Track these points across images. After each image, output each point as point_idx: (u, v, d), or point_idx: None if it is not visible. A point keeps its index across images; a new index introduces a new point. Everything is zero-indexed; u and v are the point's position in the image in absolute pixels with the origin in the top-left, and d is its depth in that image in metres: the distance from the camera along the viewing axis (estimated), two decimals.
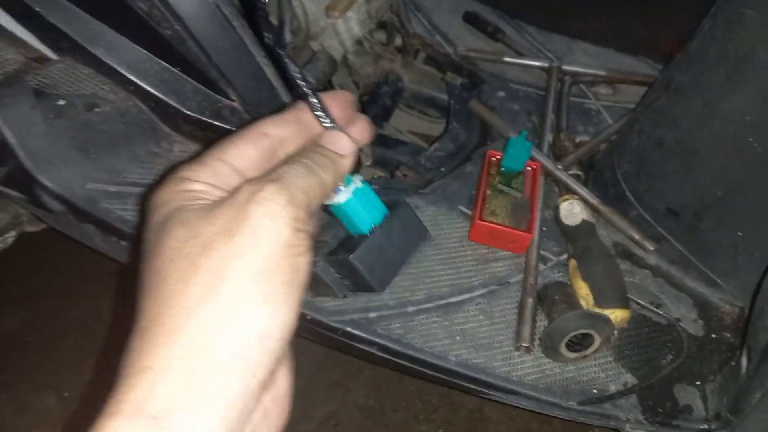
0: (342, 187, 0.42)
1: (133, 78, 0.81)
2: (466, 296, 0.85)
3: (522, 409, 0.81)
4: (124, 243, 0.80)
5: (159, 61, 0.82)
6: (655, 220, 0.86)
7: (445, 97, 1.22)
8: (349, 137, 0.37)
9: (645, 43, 1.30)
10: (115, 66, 0.80)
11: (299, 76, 0.39)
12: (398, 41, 1.27)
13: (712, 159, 0.76)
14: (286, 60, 0.40)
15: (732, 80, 0.70)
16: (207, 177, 0.32)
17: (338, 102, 0.38)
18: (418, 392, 1.28)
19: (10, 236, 0.95)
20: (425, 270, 0.87)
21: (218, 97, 0.86)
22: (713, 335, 0.81)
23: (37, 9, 0.76)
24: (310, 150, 0.35)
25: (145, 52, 0.81)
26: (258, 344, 0.27)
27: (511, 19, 1.31)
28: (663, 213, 0.85)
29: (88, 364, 1.48)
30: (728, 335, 0.80)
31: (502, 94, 1.15)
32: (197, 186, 0.31)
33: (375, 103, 1.20)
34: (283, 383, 0.32)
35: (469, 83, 1.18)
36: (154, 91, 0.82)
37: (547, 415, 0.80)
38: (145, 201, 0.31)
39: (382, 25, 1.27)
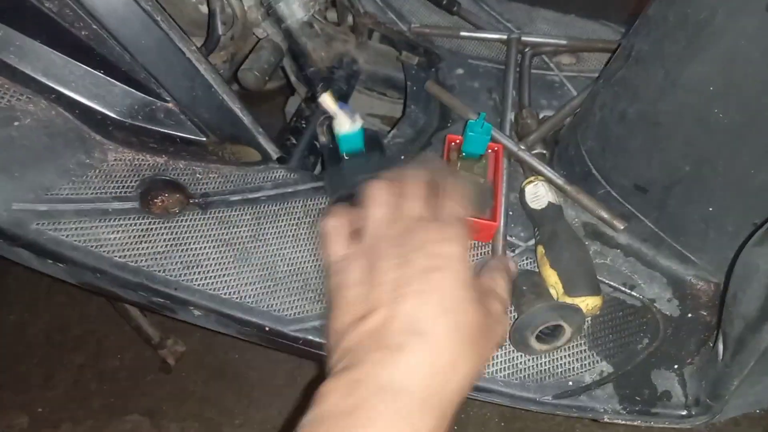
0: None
1: (52, 85, 0.74)
2: None
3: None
4: (61, 265, 0.74)
5: (79, 64, 0.75)
6: (623, 198, 0.82)
7: (400, 75, 1.16)
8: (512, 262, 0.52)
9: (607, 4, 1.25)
10: (29, 73, 0.73)
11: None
12: (350, 20, 1.20)
13: (676, 132, 0.72)
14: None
15: (692, 47, 0.66)
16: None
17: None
18: None
19: None
20: None
21: (150, 98, 0.79)
22: (689, 314, 0.78)
23: None
24: (502, 276, 0.46)
25: (63, 56, 0.74)
26: None
27: None
28: (630, 190, 0.81)
29: (57, 378, 1.44)
30: (704, 313, 0.77)
31: (460, 71, 1.09)
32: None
33: (330, 88, 1.14)
34: None
35: (425, 62, 1.12)
36: (77, 97, 0.76)
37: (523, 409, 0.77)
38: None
39: (332, 3, 1.20)
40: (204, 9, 0.90)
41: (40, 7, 0.68)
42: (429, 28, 1.13)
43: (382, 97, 1.30)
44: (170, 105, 0.79)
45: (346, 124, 0.79)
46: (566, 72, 1.10)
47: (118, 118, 0.78)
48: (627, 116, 0.77)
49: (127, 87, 0.78)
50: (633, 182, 0.80)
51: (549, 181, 0.87)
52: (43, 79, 0.74)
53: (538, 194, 0.85)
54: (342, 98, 1.16)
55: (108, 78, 0.76)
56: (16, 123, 0.73)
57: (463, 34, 1.12)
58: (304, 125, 1.06)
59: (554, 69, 1.10)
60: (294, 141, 1.02)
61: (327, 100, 0.78)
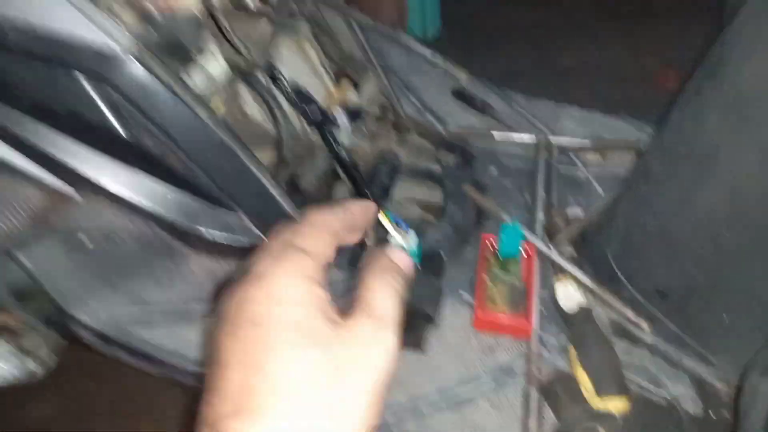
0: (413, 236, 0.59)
1: (147, 206, 0.87)
2: (474, 388, 0.89)
3: None
4: (153, 366, 0.85)
5: (169, 186, 0.88)
6: (647, 300, 0.90)
7: (438, 168, 1.28)
8: (408, 255, 0.41)
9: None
10: (129, 198, 0.86)
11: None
12: (391, 116, 1.33)
13: (691, 247, 0.80)
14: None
15: (701, 176, 0.75)
16: (322, 279, 0.34)
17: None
18: None
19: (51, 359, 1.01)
20: (434, 362, 0.92)
21: (226, 211, 0.92)
22: (712, 414, 0.84)
23: (51, 152, 0.83)
24: (390, 271, 0.37)
25: (156, 180, 0.87)
26: None
27: (498, 89, 1.37)
28: (653, 294, 0.89)
29: None
30: (726, 414, 0.84)
31: (493, 170, 1.20)
32: (321, 293, 0.33)
33: (374, 183, 1.26)
34: None
35: (461, 161, 1.23)
36: (167, 215, 0.88)
37: None
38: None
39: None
40: (268, 127, 1.04)
41: (137, 144, 0.82)
42: (464, 130, 1.25)
43: (420, 184, 1.41)
44: (243, 217, 0.92)
45: (400, 241, 0.89)
46: (592, 169, 1.20)
47: (200, 231, 0.90)
48: (647, 228, 0.86)
49: (206, 203, 0.90)
50: (655, 287, 0.88)
51: (578, 281, 0.96)
52: (140, 202, 0.87)
53: (569, 295, 0.94)
54: (384, 191, 1.28)
55: (192, 196, 0.89)
56: (116, 239, 0.86)
57: (495, 134, 1.23)
58: None
59: (580, 166, 1.20)
60: None
61: (383, 220, 0.89)
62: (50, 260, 0.82)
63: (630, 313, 0.92)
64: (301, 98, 0.97)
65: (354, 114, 1.09)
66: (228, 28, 0.84)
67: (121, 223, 0.88)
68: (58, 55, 0.71)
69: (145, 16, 0.76)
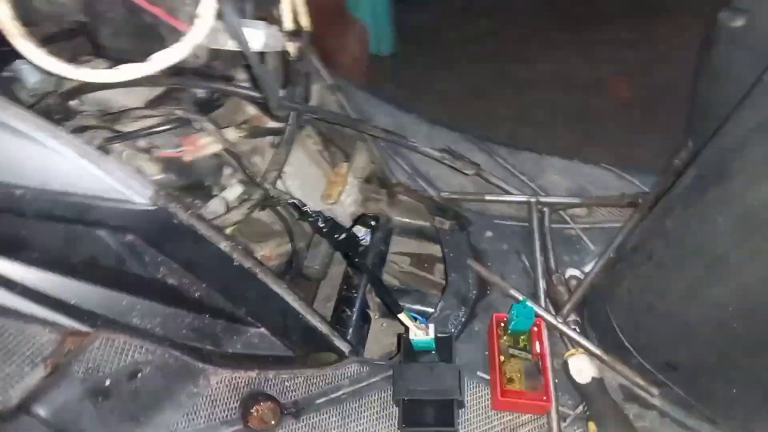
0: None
1: (168, 336, 0.85)
2: None
3: None
4: None
5: (191, 314, 0.86)
6: (655, 369, 0.96)
7: (429, 225, 1.30)
8: None
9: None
10: (149, 330, 0.84)
11: None
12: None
13: (702, 332, 0.85)
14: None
15: (713, 273, 0.80)
16: None
17: None
18: None
19: None
20: None
21: (247, 328, 0.91)
22: None
23: (65, 299, 0.80)
24: None
25: (176, 309, 0.85)
26: None
27: (481, 143, 1.40)
28: (662, 365, 0.94)
29: None
30: None
31: (489, 234, 1.23)
32: None
33: (371, 252, 1.26)
34: None
35: (456, 225, 1.25)
36: (189, 342, 0.87)
37: None
38: None
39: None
40: (275, 227, 1.03)
41: (162, 281, 0.79)
42: (457, 194, 1.27)
43: (412, 239, 1.43)
44: (263, 330, 0.91)
45: (421, 335, 0.93)
46: (580, 225, 1.25)
47: (222, 350, 0.89)
48: (654, 309, 0.91)
49: (228, 323, 0.89)
50: (664, 360, 0.94)
51: (588, 351, 1.01)
52: (161, 332, 0.85)
53: (581, 369, 0.99)
54: (382, 259, 1.29)
55: (213, 319, 0.88)
56: (139, 375, 0.84)
57: (488, 198, 1.26)
58: (354, 293, 1.18)
59: (570, 223, 1.25)
60: (348, 312, 1.14)
61: (404, 319, 0.91)
62: (72, 408, 0.79)
63: (639, 380, 0.98)
64: (326, 225, 0.98)
65: (374, 226, 1.10)
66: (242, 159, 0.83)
67: (143, 357, 0.85)
68: (79, 216, 0.67)
69: (168, 166, 0.74)
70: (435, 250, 1.33)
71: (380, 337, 1.19)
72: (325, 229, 0.98)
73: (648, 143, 2.02)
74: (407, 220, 1.36)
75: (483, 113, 2.36)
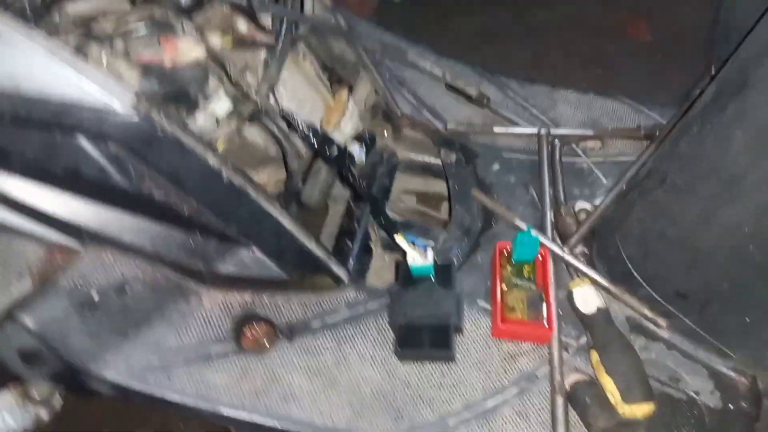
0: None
1: (158, 252, 0.83)
2: (500, 399, 0.91)
3: None
4: (176, 411, 0.83)
5: (181, 231, 0.84)
6: (664, 300, 0.92)
7: (436, 161, 1.25)
8: None
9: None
10: (139, 246, 0.82)
11: None
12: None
13: (715, 256, 0.81)
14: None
15: (727, 194, 0.75)
16: None
17: None
18: None
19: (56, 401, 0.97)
20: (457, 376, 0.92)
21: (239, 248, 0.88)
22: (730, 406, 0.88)
23: (50, 210, 0.77)
24: None
25: (167, 226, 0.83)
26: None
27: (491, 76, 1.33)
28: (672, 295, 0.90)
29: None
30: (744, 405, 0.88)
31: (496, 166, 1.19)
32: None
33: (374, 186, 1.22)
34: None
35: (462, 158, 1.21)
36: (179, 259, 0.84)
37: None
38: None
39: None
40: (271, 151, 0.99)
41: (151, 197, 0.77)
42: (463, 126, 1.22)
43: (417, 176, 1.39)
44: (257, 253, 0.88)
45: (419, 260, 0.89)
46: (593, 158, 1.20)
47: (214, 270, 0.87)
48: (666, 236, 0.87)
49: (220, 243, 0.86)
50: (674, 289, 0.90)
51: (594, 282, 0.97)
52: (151, 249, 0.82)
53: (587, 299, 0.95)
54: (385, 192, 1.26)
55: (203, 238, 0.85)
56: (128, 291, 0.82)
57: (496, 129, 1.21)
58: (356, 225, 1.15)
59: (582, 156, 1.20)
60: (350, 244, 1.11)
61: (401, 241, 0.88)
62: (59, 320, 0.78)
63: (647, 311, 0.94)
64: (318, 139, 0.93)
65: (368, 142, 1.06)
66: (231, 72, 0.79)
67: (132, 273, 0.84)
68: (56, 121, 0.64)
69: (148, 71, 0.70)
70: (441, 187, 1.28)
71: (382, 273, 1.16)
72: (316, 145, 0.94)
73: (668, 86, 1.93)
74: (412, 155, 1.32)
75: (498, 56, 2.27)
